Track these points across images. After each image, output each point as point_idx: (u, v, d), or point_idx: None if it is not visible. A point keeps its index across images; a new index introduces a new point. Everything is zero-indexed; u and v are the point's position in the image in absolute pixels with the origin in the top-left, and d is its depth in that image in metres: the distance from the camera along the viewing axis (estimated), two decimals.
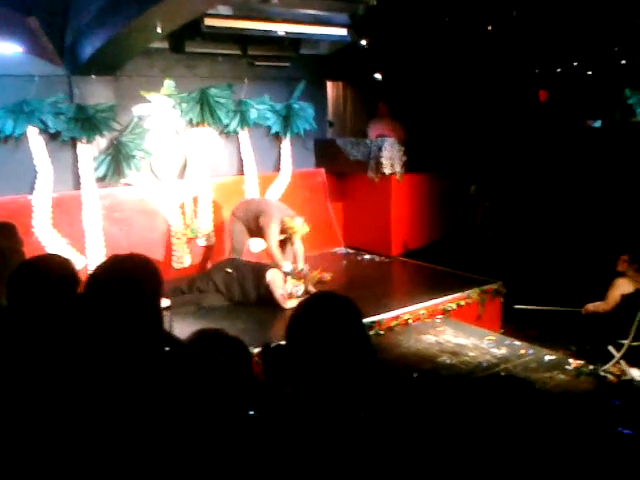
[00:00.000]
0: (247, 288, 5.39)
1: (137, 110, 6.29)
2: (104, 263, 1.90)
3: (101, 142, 6.09)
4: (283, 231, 5.78)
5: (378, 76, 7.59)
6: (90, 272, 1.88)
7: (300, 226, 5.77)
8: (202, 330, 2.20)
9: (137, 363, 1.71)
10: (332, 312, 1.58)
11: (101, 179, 6.10)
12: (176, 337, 2.12)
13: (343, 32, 6.47)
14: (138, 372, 1.69)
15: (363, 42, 6.57)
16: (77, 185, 6.02)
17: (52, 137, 5.82)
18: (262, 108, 7.11)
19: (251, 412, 1.89)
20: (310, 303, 1.66)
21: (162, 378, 1.72)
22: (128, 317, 1.76)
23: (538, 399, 1.30)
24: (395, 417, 1.60)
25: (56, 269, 2.13)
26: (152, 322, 1.85)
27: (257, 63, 6.99)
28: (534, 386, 1.33)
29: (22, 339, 1.92)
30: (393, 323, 5.12)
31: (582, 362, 4.45)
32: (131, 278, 1.80)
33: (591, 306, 5.11)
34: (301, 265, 5.83)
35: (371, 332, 4.89)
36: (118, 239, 6.04)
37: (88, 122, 5.88)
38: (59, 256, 2.31)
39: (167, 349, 1.88)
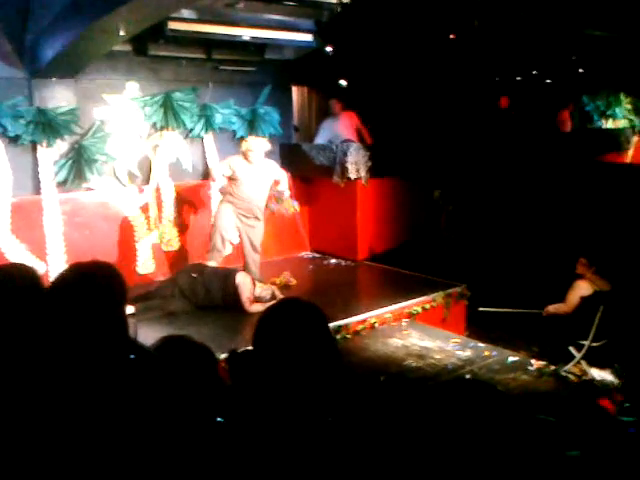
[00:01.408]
0: (213, 292, 5.35)
1: (99, 113, 6.20)
2: (66, 271, 1.87)
3: (62, 146, 5.97)
4: (245, 156, 5.83)
5: (343, 82, 7.63)
6: (52, 280, 1.84)
7: (252, 142, 5.85)
8: (167, 336, 2.18)
9: (102, 371, 1.68)
10: (299, 317, 1.59)
11: (62, 183, 5.98)
12: (141, 344, 2.09)
13: (308, 38, 6.49)
14: (103, 380, 1.66)
15: (329, 48, 6.60)
16: (37, 190, 5.88)
17: (11, 141, 5.68)
18: (227, 112, 7.08)
19: (218, 419, 1.88)
20: (277, 308, 1.67)
21: (127, 386, 1.70)
22: (92, 325, 1.73)
23: (500, 402, 1.33)
24: (363, 421, 1.61)
25: (21, 278, 2.07)
26: (117, 330, 1.82)
27: (222, 67, 6.96)
28: (496, 389, 1.36)
29: None
30: (360, 327, 5.15)
31: (544, 363, 4.55)
32: (94, 286, 1.77)
33: (552, 308, 5.23)
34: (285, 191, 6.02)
35: (338, 336, 4.91)
36: (80, 245, 5.91)
37: (48, 125, 5.76)
38: (24, 265, 2.25)
39: (132, 356, 1.85)
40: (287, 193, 6.05)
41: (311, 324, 1.58)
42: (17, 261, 4.82)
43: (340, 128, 7.49)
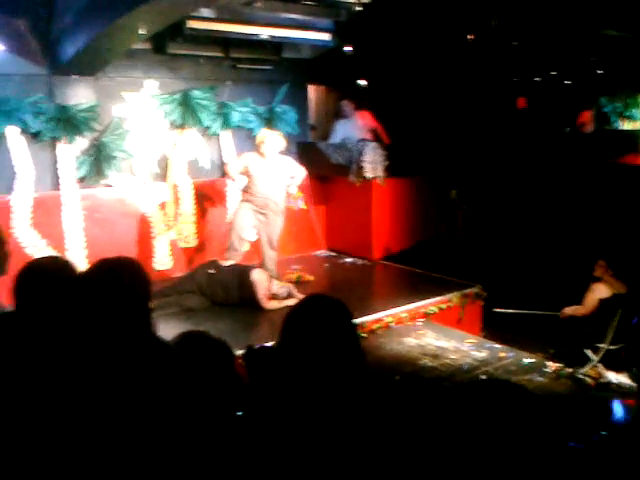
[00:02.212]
0: (230, 289, 5.38)
1: (118, 111, 6.26)
2: (93, 267, 1.89)
3: (82, 142, 6.04)
4: (260, 151, 5.85)
5: (362, 82, 7.62)
6: (79, 275, 1.87)
7: (265, 135, 5.88)
8: (186, 332, 2.21)
9: (130, 365, 1.71)
10: (327, 314, 1.60)
11: (81, 180, 6.05)
12: (162, 339, 2.12)
13: (326, 37, 6.51)
14: (127, 373, 1.69)
15: (347, 48, 6.60)
16: (57, 186, 5.95)
17: (32, 137, 5.76)
18: (244, 111, 7.10)
19: (239, 413, 1.90)
20: (305, 305, 1.68)
21: (154, 379, 1.72)
22: (118, 320, 1.76)
23: (531, 403, 1.32)
24: (383, 420, 1.62)
25: (62, 271, 2.08)
26: (142, 324, 1.85)
27: (239, 66, 6.99)
28: (525, 390, 1.35)
29: (26, 342, 1.88)
30: (375, 326, 5.15)
31: (560, 365, 4.52)
32: (121, 281, 1.80)
33: (569, 310, 5.19)
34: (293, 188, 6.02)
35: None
36: (99, 240, 5.97)
37: (68, 122, 5.83)
38: (61, 258, 2.26)
39: (155, 351, 1.88)
40: (293, 189, 6.03)
41: (339, 321, 1.59)
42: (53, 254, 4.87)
43: (354, 129, 7.47)
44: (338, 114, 7.81)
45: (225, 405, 1.94)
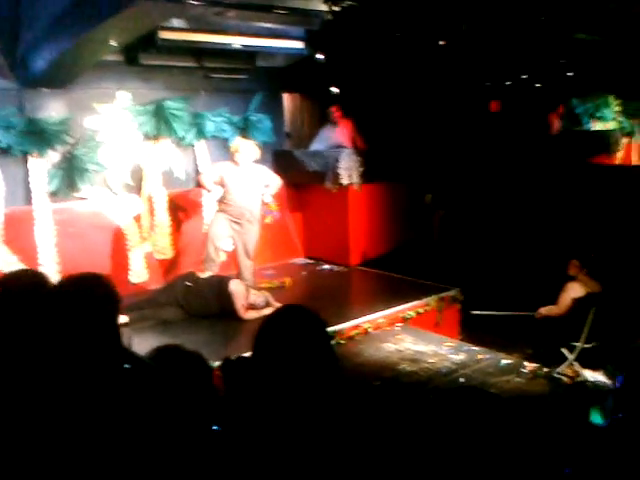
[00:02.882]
0: (208, 300, 5.35)
1: (90, 123, 6.20)
2: (60, 283, 1.88)
3: (53, 156, 5.98)
4: (234, 159, 5.85)
5: (335, 89, 7.65)
6: (47, 291, 1.85)
7: (239, 144, 5.88)
8: (161, 346, 2.19)
9: (96, 380, 1.69)
10: (301, 324, 1.59)
11: (54, 193, 5.98)
12: (135, 353, 2.10)
13: (299, 45, 6.53)
14: (97, 389, 1.67)
15: (320, 56, 6.63)
16: (29, 200, 5.88)
17: (3, 151, 5.69)
18: (219, 120, 7.10)
19: (215, 427, 1.89)
20: (277, 316, 1.67)
21: (121, 395, 1.71)
22: (85, 336, 1.74)
23: (495, 406, 1.34)
24: (359, 428, 1.63)
25: (36, 285, 2.07)
26: (110, 339, 1.83)
27: (213, 75, 6.98)
28: (491, 394, 1.37)
29: None
30: (353, 332, 5.16)
31: (537, 365, 4.58)
32: (87, 297, 1.78)
33: (544, 310, 5.25)
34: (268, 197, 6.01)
35: (332, 341, 4.92)
36: (73, 255, 5.89)
37: (40, 136, 5.77)
38: (32, 271, 2.25)
39: (126, 366, 1.86)
40: (268, 198, 6.03)
41: (313, 331, 1.59)
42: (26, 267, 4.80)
43: (338, 136, 7.50)
44: (324, 121, 7.84)
45: (200, 419, 1.92)
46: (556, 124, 9.11)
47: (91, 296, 1.80)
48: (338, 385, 1.65)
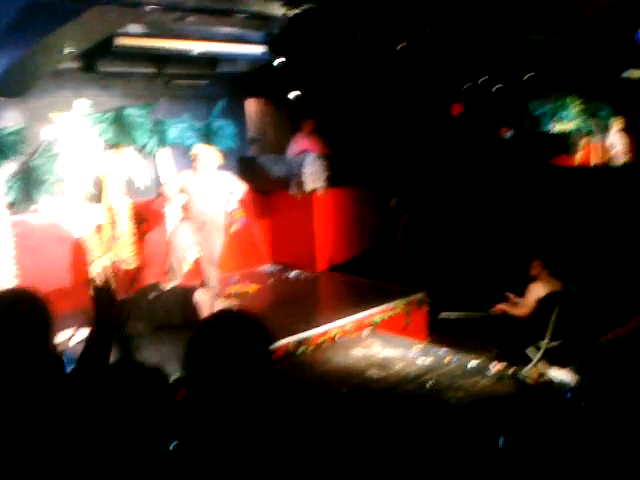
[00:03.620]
0: (172, 312, 5.25)
1: (47, 133, 6.05)
2: None
3: (10, 167, 5.81)
4: (195, 167, 5.74)
5: (295, 93, 7.62)
6: None
7: (200, 150, 5.77)
8: (115, 362, 2.13)
9: (32, 401, 1.62)
10: (235, 333, 1.51)
11: (11, 205, 5.81)
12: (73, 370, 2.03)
13: (259, 50, 6.48)
14: (37, 411, 1.60)
15: (278, 60, 6.59)
16: None
17: None
18: (181, 127, 7.00)
19: (173, 443, 1.84)
20: (210, 324, 1.59)
21: (64, 415, 1.64)
22: (6, 357, 1.66)
23: (447, 416, 1.32)
24: (312, 439, 1.59)
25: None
26: (37, 360, 1.74)
27: (174, 82, 6.89)
28: (445, 402, 1.35)
29: None
30: (320, 340, 5.13)
31: (503, 366, 4.61)
32: (7, 316, 1.70)
33: (503, 306, 5.33)
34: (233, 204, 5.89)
35: (300, 349, 4.89)
36: (31, 269, 5.72)
37: None
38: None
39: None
40: (232, 206, 5.94)
41: (249, 340, 1.50)
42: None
43: (305, 142, 7.49)
44: (289, 126, 7.80)
45: (156, 436, 1.87)
46: (506, 130, 9.23)
47: (13, 314, 1.71)
48: (273, 391, 1.58)
